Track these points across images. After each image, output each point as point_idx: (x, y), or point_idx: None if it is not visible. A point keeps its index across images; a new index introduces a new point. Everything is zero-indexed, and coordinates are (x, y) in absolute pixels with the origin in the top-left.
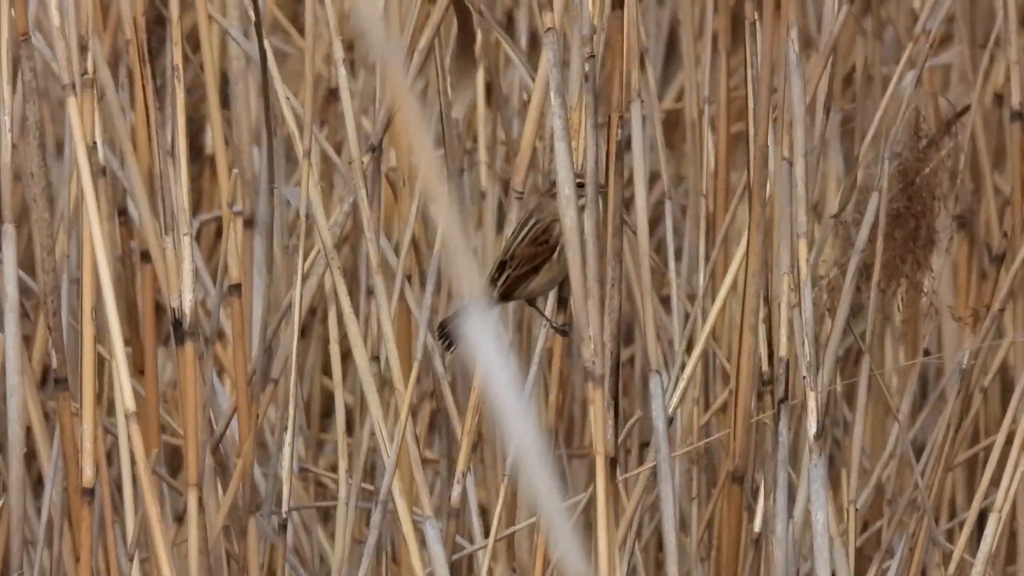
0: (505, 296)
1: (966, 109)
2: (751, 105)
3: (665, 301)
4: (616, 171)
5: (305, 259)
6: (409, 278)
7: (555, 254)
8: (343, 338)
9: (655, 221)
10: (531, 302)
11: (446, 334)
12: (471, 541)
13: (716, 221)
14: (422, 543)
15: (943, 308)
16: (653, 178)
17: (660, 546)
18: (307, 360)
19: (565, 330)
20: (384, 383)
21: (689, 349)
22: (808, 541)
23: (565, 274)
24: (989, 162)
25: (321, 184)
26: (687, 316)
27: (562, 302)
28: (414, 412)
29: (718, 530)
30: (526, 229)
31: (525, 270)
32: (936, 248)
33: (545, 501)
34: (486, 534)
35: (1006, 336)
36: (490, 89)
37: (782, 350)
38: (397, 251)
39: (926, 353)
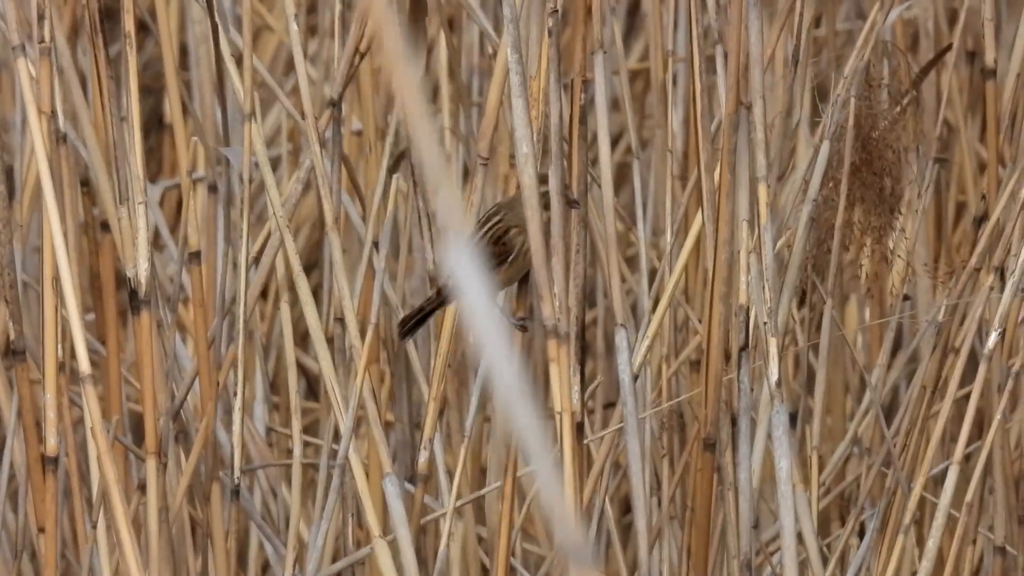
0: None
1: (936, 59)
2: (694, 59)
3: (631, 261)
4: (580, 134)
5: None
6: (376, 244)
7: (512, 257)
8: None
9: (621, 180)
10: None
11: (408, 329)
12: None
13: (684, 177)
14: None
15: (917, 265)
16: (618, 138)
17: (627, 508)
18: (273, 326)
19: (524, 325)
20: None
21: (656, 307)
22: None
23: (521, 274)
24: (961, 117)
25: (290, 146)
26: (654, 274)
27: (520, 297)
28: (380, 376)
29: (692, 492)
30: (488, 226)
31: None
32: (901, 203)
33: (525, 431)
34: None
35: (977, 296)
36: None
37: (742, 297)
38: (365, 218)
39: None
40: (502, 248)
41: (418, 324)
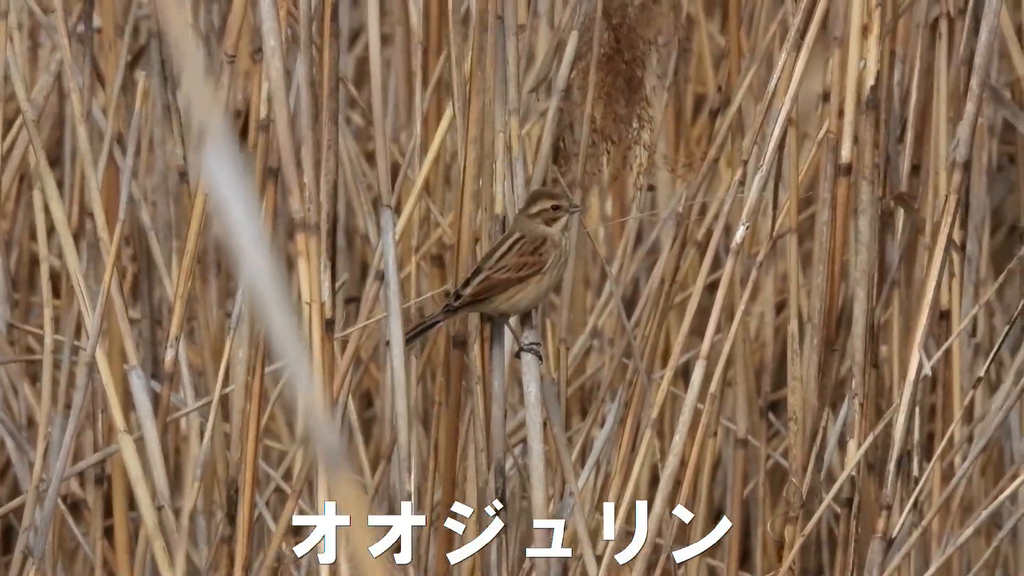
0: (476, 299)
1: None
2: None
3: (370, 157)
4: (332, 31)
5: (10, 124)
6: (120, 139)
7: (544, 271)
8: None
9: (362, 76)
10: (502, 315)
11: (411, 338)
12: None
13: (428, 70)
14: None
15: (657, 158)
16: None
17: (368, 402)
18: (15, 225)
19: (535, 348)
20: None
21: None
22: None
23: (546, 294)
24: (702, 7)
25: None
26: (397, 169)
27: (526, 320)
28: (122, 273)
29: (442, 387)
30: (510, 242)
31: (508, 276)
32: (643, 95)
33: (278, 327)
34: (198, 396)
35: (719, 189)
36: None
37: (497, 207)
38: (106, 112)
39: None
40: (538, 258)
41: (421, 333)
